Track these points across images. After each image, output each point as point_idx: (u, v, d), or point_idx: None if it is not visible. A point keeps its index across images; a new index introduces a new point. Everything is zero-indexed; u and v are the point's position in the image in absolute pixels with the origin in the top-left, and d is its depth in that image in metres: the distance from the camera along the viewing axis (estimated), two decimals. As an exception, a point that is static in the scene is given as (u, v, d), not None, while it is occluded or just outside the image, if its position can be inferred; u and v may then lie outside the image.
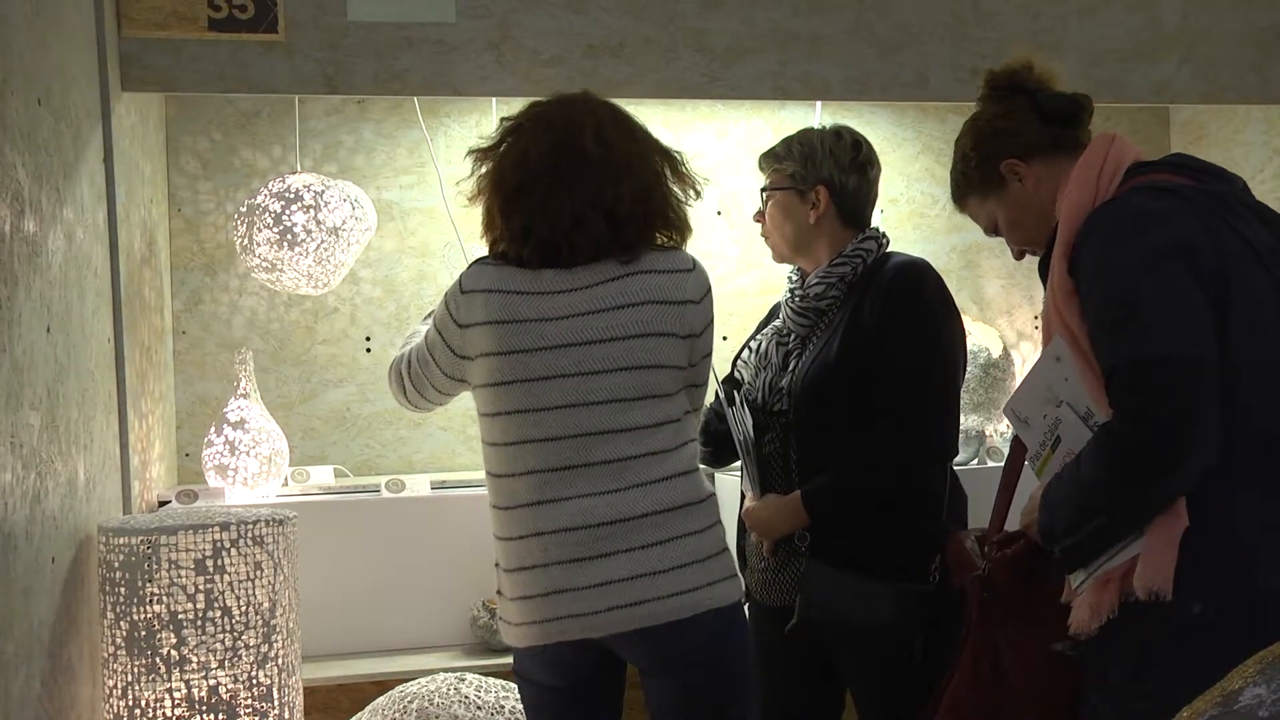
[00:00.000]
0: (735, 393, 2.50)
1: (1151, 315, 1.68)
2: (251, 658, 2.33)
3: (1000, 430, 3.53)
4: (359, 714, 2.68)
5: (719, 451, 2.56)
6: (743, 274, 3.76)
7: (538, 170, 2.02)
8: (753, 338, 2.60)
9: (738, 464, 2.54)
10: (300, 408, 3.52)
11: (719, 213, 3.75)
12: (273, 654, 2.36)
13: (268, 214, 3.12)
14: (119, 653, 2.29)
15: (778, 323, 2.54)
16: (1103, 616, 1.75)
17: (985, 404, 3.44)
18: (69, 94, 2.44)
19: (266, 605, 2.35)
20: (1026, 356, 3.88)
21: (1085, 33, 3.29)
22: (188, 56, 2.88)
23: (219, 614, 2.29)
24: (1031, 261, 2.05)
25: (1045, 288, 1.89)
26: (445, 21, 2.98)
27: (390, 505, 3.14)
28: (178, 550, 2.28)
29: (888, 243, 2.48)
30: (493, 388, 2.02)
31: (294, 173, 3.26)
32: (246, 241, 3.15)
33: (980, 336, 3.52)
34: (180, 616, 2.27)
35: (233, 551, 2.31)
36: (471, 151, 2.13)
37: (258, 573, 2.34)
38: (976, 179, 2.05)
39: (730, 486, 2.79)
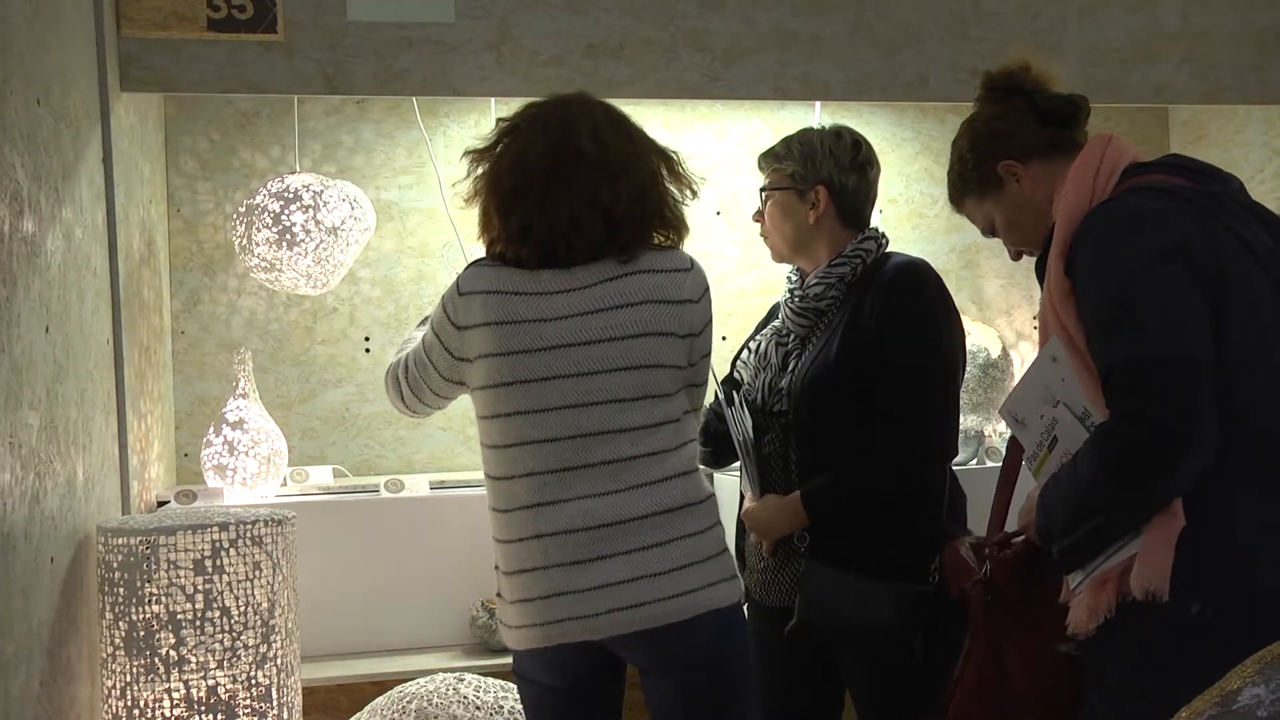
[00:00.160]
0: (734, 393, 2.50)
1: (1148, 316, 1.68)
2: (250, 658, 2.32)
3: (999, 430, 3.53)
4: (358, 714, 2.68)
5: (718, 452, 2.56)
6: (742, 274, 3.76)
7: (534, 171, 2.02)
8: (752, 338, 2.60)
9: (737, 464, 2.53)
10: (299, 408, 3.52)
11: (718, 213, 3.75)
12: (272, 654, 2.36)
13: (267, 214, 3.12)
14: (118, 653, 2.29)
15: (777, 323, 2.54)
16: (1100, 617, 1.75)
17: (984, 404, 3.44)
18: (68, 94, 2.44)
19: (265, 605, 2.35)
20: (1025, 357, 3.88)
21: (1085, 33, 3.30)
22: (187, 57, 2.88)
23: (218, 614, 2.29)
24: (1031, 261, 2.05)
25: (1042, 288, 1.89)
26: (445, 22, 2.98)
27: (389, 505, 3.13)
28: (176, 550, 2.28)
29: (887, 243, 2.48)
30: (492, 389, 2.01)
31: (293, 173, 3.26)
32: (245, 242, 3.15)
33: (979, 336, 3.52)
34: (179, 617, 2.27)
35: (231, 552, 2.31)
36: (468, 152, 2.13)
37: (257, 573, 2.34)
38: (973, 180, 2.05)
39: (730, 487, 2.79)
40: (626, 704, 2.17)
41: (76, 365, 2.39)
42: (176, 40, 2.87)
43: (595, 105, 2.10)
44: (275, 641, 2.37)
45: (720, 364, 2.42)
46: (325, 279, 3.22)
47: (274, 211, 3.12)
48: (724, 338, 3.58)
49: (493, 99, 3.30)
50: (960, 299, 3.83)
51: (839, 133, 2.48)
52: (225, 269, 3.48)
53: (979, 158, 2.04)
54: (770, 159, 2.50)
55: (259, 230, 3.12)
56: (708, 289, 2.09)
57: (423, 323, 2.49)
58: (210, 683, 2.28)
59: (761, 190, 2.51)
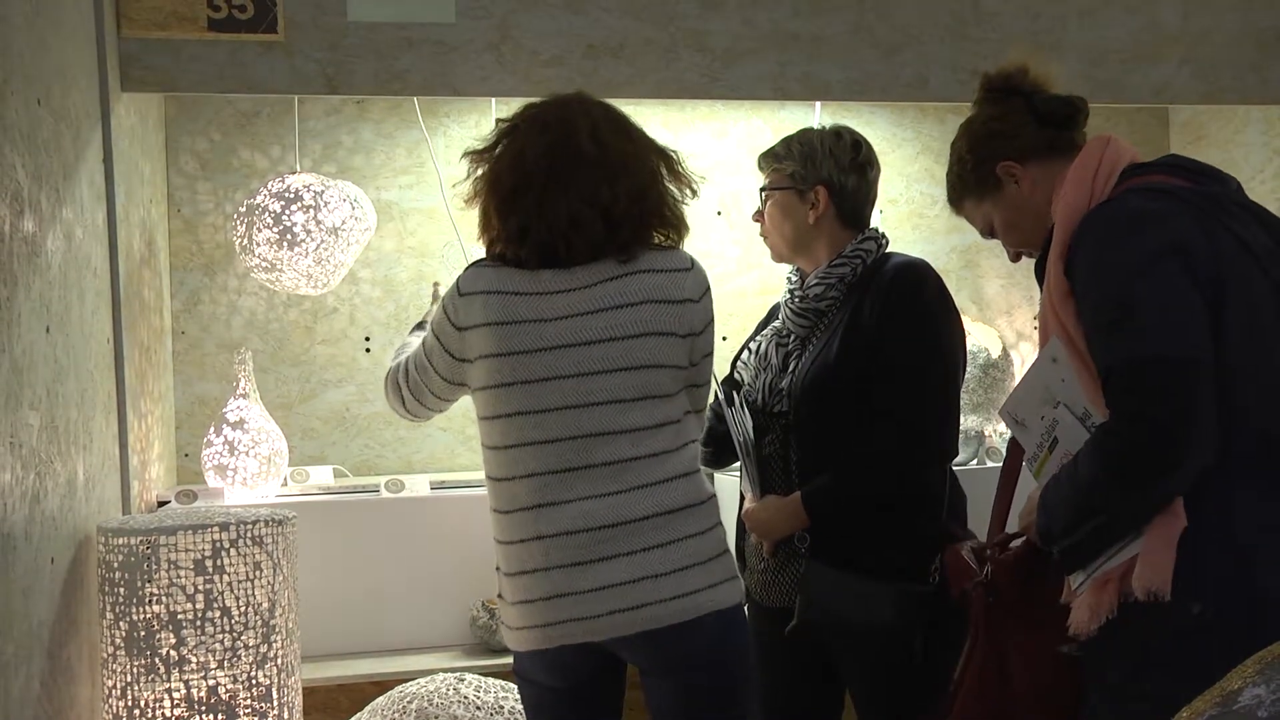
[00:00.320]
0: (735, 394, 2.49)
1: (1148, 316, 1.68)
2: (251, 658, 2.33)
3: (1000, 431, 3.53)
4: (358, 714, 2.68)
5: (719, 452, 2.56)
6: (742, 274, 3.76)
7: (534, 171, 2.02)
8: (752, 339, 2.60)
9: (737, 465, 2.54)
10: (299, 408, 3.52)
11: (719, 213, 3.75)
12: (272, 654, 2.36)
13: (267, 214, 3.12)
14: (118, 653, 2.29)
15: (777, 324, 2.54)
16: (1102, 617, 1.75)
17: (985, 404, 3.44)
18: (69, 94, 2.44)
19: (266, 605, 2.35)
20: (1026, 357, 3.88)
21: (1085, 33, 3.30)
22: (187, 57, 2.88)
23: (218, 614, 2.29)
24: (1031, 261, 2.05)
25: (1042, 289, 1.89)
26: (445, 22, 2.98)
27: (390, 505, 3.13)
28: (177, 550, 2.28)
29: (887, 243, 2.48)
30: (492, 390, 2.01)
31: (293, 173, 3.26)
32: (246, 242, 3.15)
33: (980, 337, 3.52)
34: (179, 617, 2.27)
35: (232, 552, 2.31)
36: (468, 153, 2.13)
37: (257, 573, 2.34)
38: (972, 181, 2.05)
39: (730, 487, 2.79)
40: (627, 704, 2.17)
41: (77, 365, 2.39)
42: (177, 40, 2.87)
43: (594, 105, 2.10)
44: (276, 641, 2.37)
45: (720, 364, 2.42)
46: (326, 279, 3.22)
47: (275, 212, 3.12)
48: (724, 338, 3.58)
49: (493, 99, 3.30)
50: (960, 299, 3.83)
51: (839, 133, 2.48)
52: (225, 269, 3.48)
53: (978, 159, 2.04)
54: (770, 159, 2.50)
55: (260, 230, 3.12)
56: (708, 289, 2.09)
57: (418, 327, 2.50)
58: (211, 683, 2.28)
59: (761, 190, 2.51)
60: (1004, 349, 3.55)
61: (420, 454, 3.58)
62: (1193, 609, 1.68)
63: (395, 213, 3.58)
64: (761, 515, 2.41)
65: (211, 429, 3.11)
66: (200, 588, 2.28)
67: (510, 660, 2.13)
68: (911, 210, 3.91)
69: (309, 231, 3.12)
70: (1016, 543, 2.03)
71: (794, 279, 2.51)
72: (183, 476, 3.41)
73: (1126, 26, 3.32)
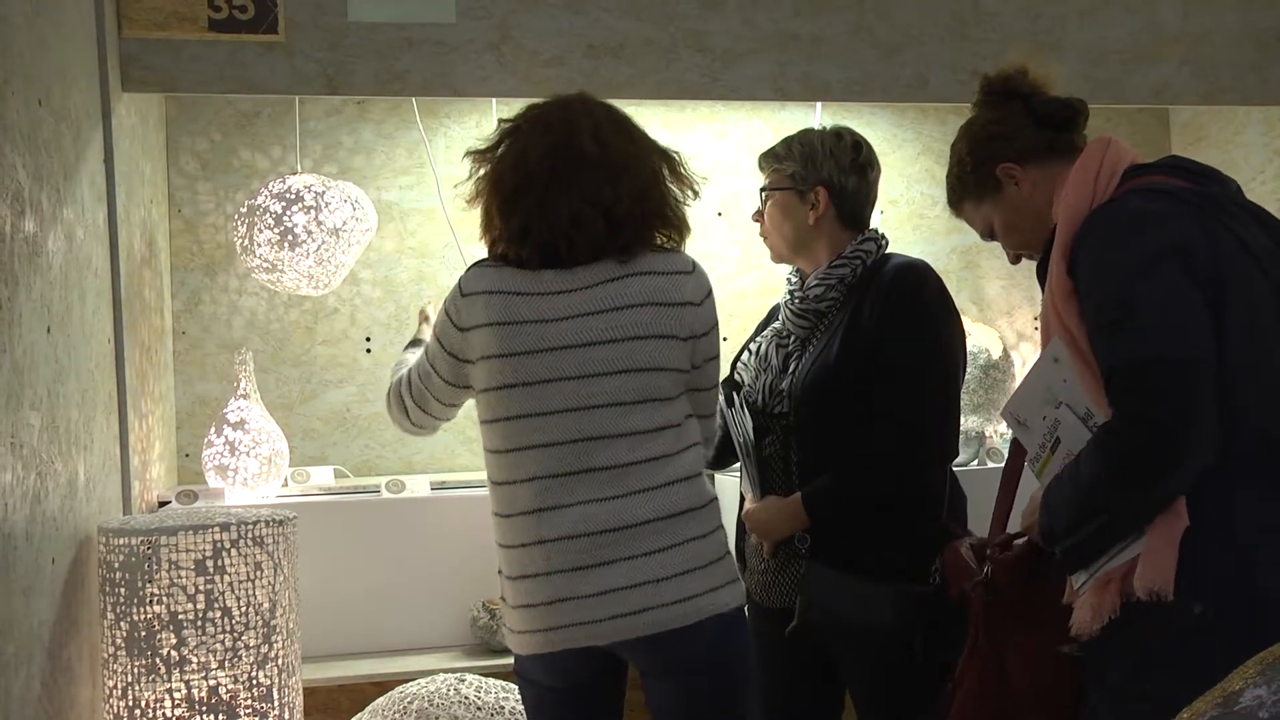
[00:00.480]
0: (735, 395, 2.49)
1: (1149, 316, 1.68)
2: (251, 658, 2.33)
3: (1000, 431, 3.53)
4: (359, 715, 2.68)
5: (719, 453, 2.56)
6: (743, 275, 3.76)
7: (536, 171, 2.02)
8: (752, 340, 2.60)
9: (737, 465, 2.53)
10: (300, 408, 3.52)
11: (719, 213, 3.75)
12: (273, 654, 2.36)
13: (268, 215, 3.12)
14: (119, 653, 2.29)
15: (777, 324, 2.54)
16: (1104, 617, 1.75)
17: (985, 405, 3.44)
18: (69, 94, 2.44)
19: (266, 606, 2.35)
20: (1027, 358, 3.88)
21: (1085, 34, 3.30)
22: (188, 57, 2.88)
23: (219, 614, 2.29)
24: (1032, 262, 2.05)
25: (1043, 290, 1.89)
26: (445, 22, 2.98)
27: (390, 506, 3.13)
28: (178, 551, 2.28)
29: (887, 244, 2.48)
30: (494, 392, 2.01)
31: (294, 173, 3.26)
32: (247, 242, 3.15)
33: (980, 338, 3.52)
34: (180, 617, 2.27)
35: (233, 552, 2.31)
36: (470, 153, 2.12)
37: (258, 573, 2.34)
38: (972, 183, 2.06)
39: (730, 488, 2.79)
40: (627, 704, 2.17)
41: (78, 365, 2.39)
42: (177, 40, 2.87)
43: (597, 106, 2.10)
44: (276, 642, 2.37)
45: (721, 365, 2.42)
46: (327, 280, 3.22)
47: (276, 212, 3.12)
48: (725, 339, 3.56)
49: (494, 99, 3.30)
50: (961, 300, 3.83)
51: (840, 134, 2.48)
52: (226, 269, 3.48)
53: (977, 161, 2.04)
54: (771, 159, 2.50)
55: (261, 231, 3.12)
56: (711, 292, 2.08)
57: (412, 345, 2.49)
58: (211, 683, 2.28)
59: (761, 190, 2.51)
60: (1004, 350, 3.55)
61: (421, 454, 3.58)
62: (1194, 609, 1.68)
63: (395, 213, 3.58)
64: (762, 516, 2.41)
65: (212, 429, 3.11)
66: (201, 588, 2.28)
67: (511, 661, 2.13)
68: (912, 211, 3.91)
69: (310, 232, 3.12)
70: (1019, 543, 2.03)
71: (794, 280, 2.51)
72: (183, 477, 3.41)
73: (1127, 27, 3.32)
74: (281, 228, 3.11)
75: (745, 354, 2.58)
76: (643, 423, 1.98)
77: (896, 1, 3.19)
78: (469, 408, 2.17)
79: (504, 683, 2.63)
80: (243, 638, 2.31)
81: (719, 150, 3.74)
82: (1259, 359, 1.73)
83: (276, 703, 2.36)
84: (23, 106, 2.11)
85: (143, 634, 2.27)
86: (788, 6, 3.14)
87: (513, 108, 2.21)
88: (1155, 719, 1.50)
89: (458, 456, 3.59)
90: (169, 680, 2.27)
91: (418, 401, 2.20)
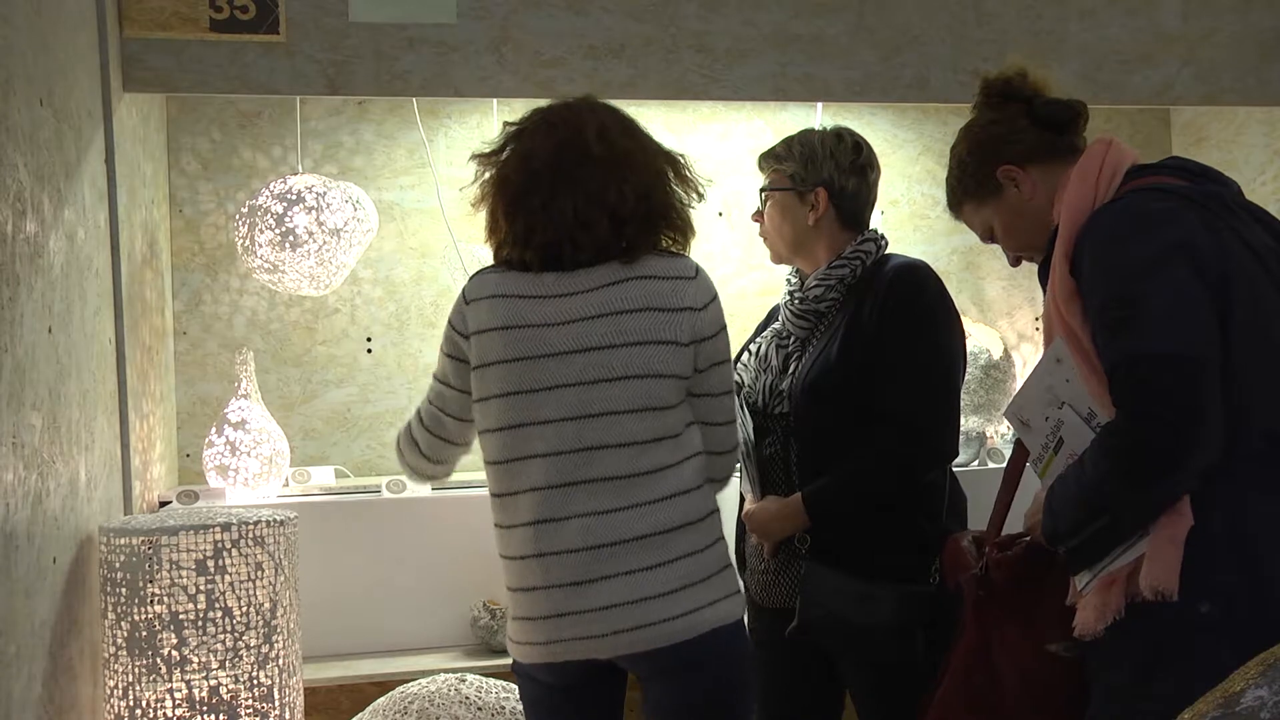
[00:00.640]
0: (734, 395, 2.49)
1: (1154, 314, 1.68)
2: (252, 658, 2.33)
3: (1001, 432, 3.53)
4: (359, 715, 2.68)
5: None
6: (743, 275, 3.76)
7: (541, 171, 2.02)
8: (751, 340, 2.60)
9: (737, 466, 2.53)
10: (301, 408, 3.52)
11: (720, 214, 3.75)
12: (273, 654, 2.36)
13: (269, 215, 3.13)
14: (120, 653, 2.29)
15: (777, 325, 2.54)
16: (1109, 618, 1.75)
17: (986, 405, 3.44)
18: (71, 95, 2.44)
19: (267, 605, 2.35)
20: (1027, 358, 3.88)
21: (1086, 34, 3.30)
22: (189, 57, 2.88)
23: (220, 614, 2.29)
24: (1032, 264, 2.05)
25: (1045, 291, 1.89)
26: (446, 22, 2.98)
27: (391, 506, 3.14)
28: (179, 551, 2.28)
29: (886, 244, 2.48)
30: (495, 400, 2.00)
31: (295, 174, 3.26)
32: (248, 243, 3.15)
33: (981, 338, 3.52)
34: (181, 617, 2.27)
35: (233, 552, 2.31)
36: (475, 156, 2.12)
37: (258, 573, 2.34)
38: (972, 185, 2.06)
39: (730, 488, 2.79)
40: (626, 704, 2.17)
41: (79, 365, 2.39)
42: (178, 41, 2.87)
43: (601, 108, 2.10)
44: (277, 642, 2.37)
45: (731, 371, 2.41)
46: (328, 280, 3.22)
47: (277, 213, 3.12)
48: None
49: (494, 99, 3.30)
50: (962, 300, 3.84)
51: (840, 134, 2.48)
52: (227, 269, 3.48)
53: (978, 162, 2.04)
54: (771, 159, 2.50)
55: (262, 232, 3.12)
56: (714, 297, 2.05)
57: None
58: (212, 683, 2.28)
59: (761, 190, 2.51)
60: (1005, 350, 3.55)
61: (421, 454, 3.57)
62: (1201, 608, 1.68)
63: (396, 213, 3.58)
64: (762, 516, 2.41)
65: (213, 429, 3.11)
66: (202, 588, 2.29)
67: (511, 660, 2.13)
68: (913, 211, 3.91)
69: (311, 233, 3.12)
70: (1021, 542, 2.04)
71: (793, 280, 2.51)
72: (184, 477, 3.41)
73: (1127, 28, 3.32)
74: (283, 228, 3.11)
75: (745, 355, 2.58)
76: (641, 432, 1.97)
77: (897, 1, 3.19)
78: None
79: (504, 683, 2.63)
80: (243, 638, 2.31)
81: (720, 151, 3.75)
82: (1263, 357, 1.73)
83: (277, 703, 2.36)
84: (24, 106, 2.11)
85: (143, 634, 2.27)
86: (788, 6, 3.14)
87: (513, 108, 2.21)
88: (1164, 719, 1.50)
89: (458, 457, 3.59)
90: (170, 680, 2.27)
91: (430, 427, 2.16)
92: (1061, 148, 2.00)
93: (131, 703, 2.27)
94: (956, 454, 2.40)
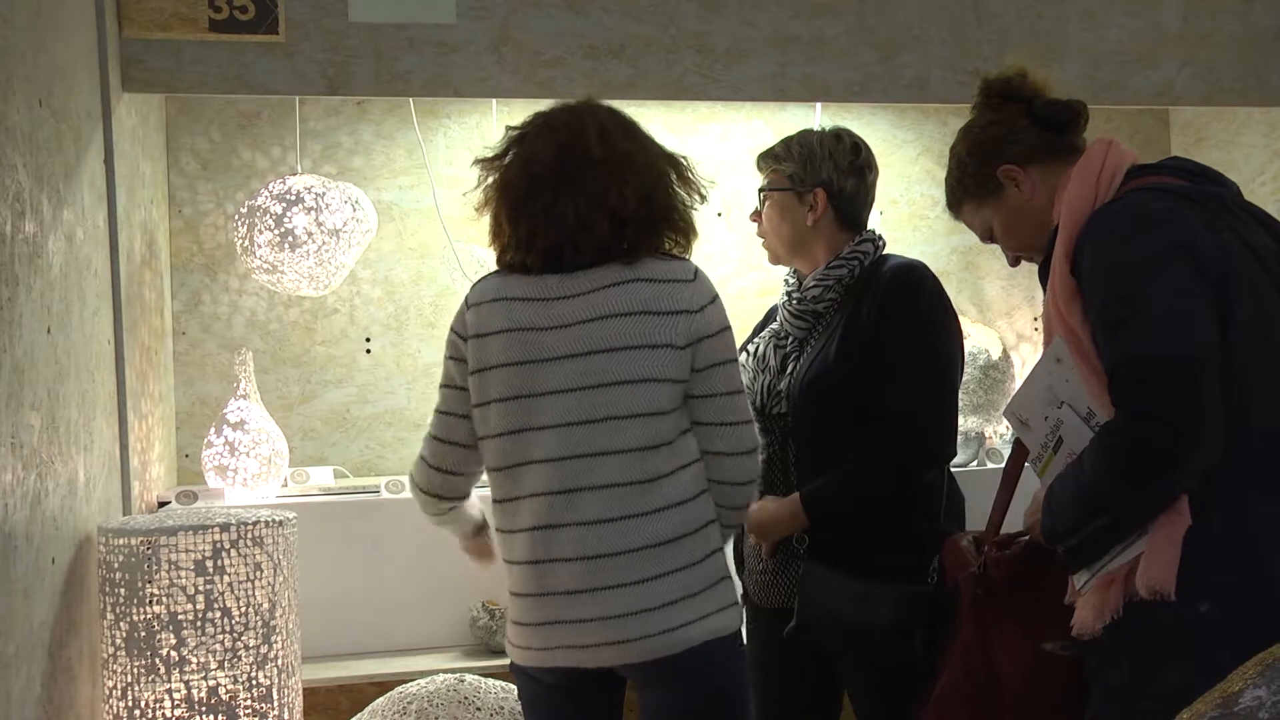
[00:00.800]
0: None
1: (1155, 313, 1.68)
2: (251, 658, 2.33)
3: (1000, 432, 3.53)
4: (358, 715, 2.68)
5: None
6: (742, 275, 3.76)
7: (543, 174, 2.01)
8: (750, 340, 2.60)
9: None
10: (300, 408, 3.52)
11: (720, 214, 3.75)
12: (272, 655, 2.36)
13: (269, 216, 3.13)
14: (119, 653, 2.29)
15: (775, 325, 2.54)
16: (1107, 617, 1.75)
17: (985, 406, 3.44)
18: (70, 95, 2.44)
19: (266, 606, 2.35)
20: (1026, 358, 3.88)
21: (1086, 35, 3.30)
22: (188, 58, 2.88)
23: (219, 615, 2.29)
24: (1031, 264, 2.05)
25: (1045, 291, 1.89)
26: (446, 22, 2.98)
27: (390, 506, 3.13)
28: (177, 551, 2.28)
29: (884, 245, 2.48)
30: (495, 404, 2.00)
31: (294, 174, 3.26)
32: (247, 243, 3.15)
33: (980, 338, 3.52)
34: (180, 617, 2.27)
35: (232, 552, 2.31)
36: (477, 162, 2.12)
37: (257, 573, 2.34)
38: (972, 185, 2.06)
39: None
40: (626, 704, 2.17)
41: (78, 366, 2.39)
42: (178, 41, 2.87)
43: (602, 110, 2.09)
44: (276, 642, 2.37)
45: (738, 371, 2.40)
46: (327, 280, 3.22)
47: (276, 214, 3.12)
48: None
49: (494, 100, 3.29)
50: (961, 300, 3.84)
51: (839, 135, 2.48)
52: (226, 269, 3.48)
53: (978, 162, 2.04)
54: (769, 159, 2.50)
55: (261, 232, 3.12)
56: (714, 299, 2.02)
57: None
58: (211, 683, 2.28)
59: (760, 191, 2.51)
60: (1004, 350, 3.55)
61: (420, 455, 3.57)
62: (1200, 607, 1.68)
63: (395, 214, 3.58)
64: (760, 516, 2.41)
65: (212, 429, 3.11)
66: (200, 588, 2.28)
67: (509, 661, 2.13)
68: (912, 211, 3.91)
69: (310, 233, 3.12)
70: (1020, 542, 2.04)
71: (791, 281, 2.51)
72: (183, 477, 3.41)
73: (1127, 28, 3.32)
74: (282, 229, 3.11)
75: (743, 355, 2.57)
76: (637, 439, 1.96)
77: (896, 2, 3.19)
78: None
79: (503, 683, 2.63)
80: (242, 638, 2.31)
81: (720, 151, 3.75)
82: (1264, 357, 1.73)
83: (276, 703, 2.36)
84: (23, 107, 2.11)
85: (142, 634, 2.27)
86: (788, 7, 3.14)
87: (513, 108, 2.21)
88: (1164, 718, 1.50)
89: (458, 457, 3.59)
90: (169, 680, 2.27)
91: (442, 436, 2.11)
92: (1062, 148, 2.00)
93: (130, 703, 2.27)
94: (954, 454, 2.41)
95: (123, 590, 2.28)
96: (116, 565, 2.29)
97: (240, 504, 3.00)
